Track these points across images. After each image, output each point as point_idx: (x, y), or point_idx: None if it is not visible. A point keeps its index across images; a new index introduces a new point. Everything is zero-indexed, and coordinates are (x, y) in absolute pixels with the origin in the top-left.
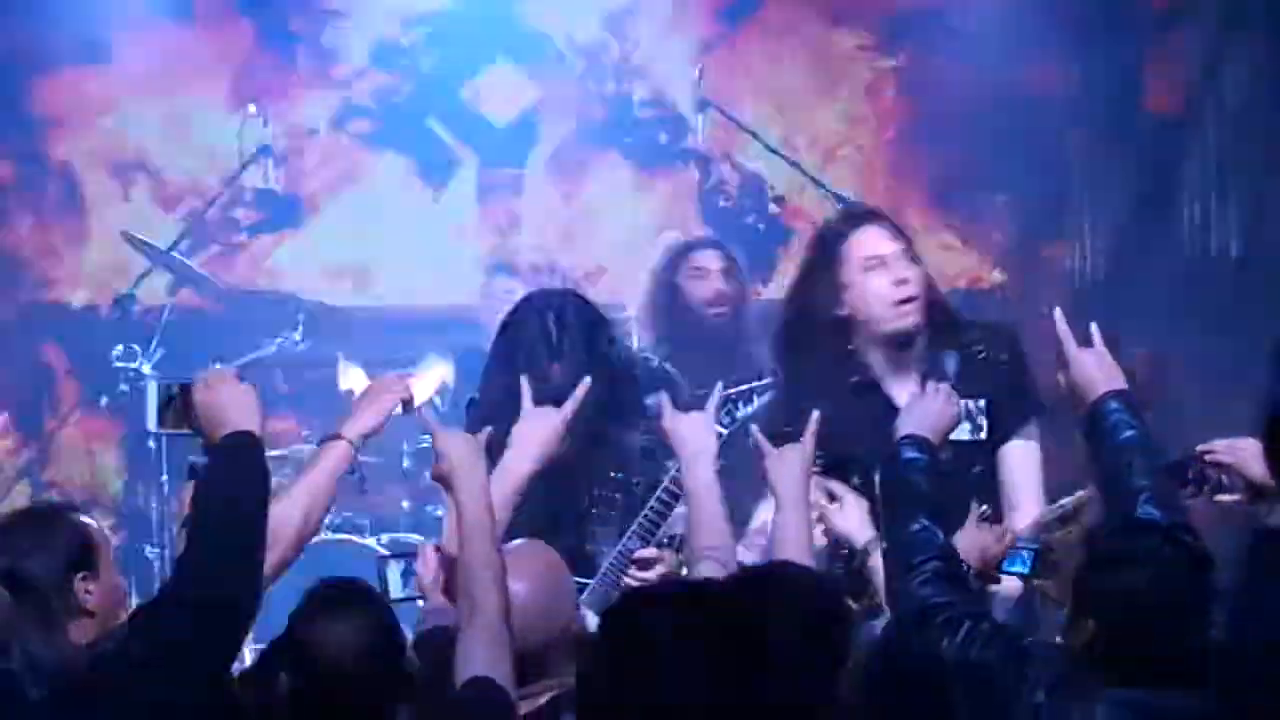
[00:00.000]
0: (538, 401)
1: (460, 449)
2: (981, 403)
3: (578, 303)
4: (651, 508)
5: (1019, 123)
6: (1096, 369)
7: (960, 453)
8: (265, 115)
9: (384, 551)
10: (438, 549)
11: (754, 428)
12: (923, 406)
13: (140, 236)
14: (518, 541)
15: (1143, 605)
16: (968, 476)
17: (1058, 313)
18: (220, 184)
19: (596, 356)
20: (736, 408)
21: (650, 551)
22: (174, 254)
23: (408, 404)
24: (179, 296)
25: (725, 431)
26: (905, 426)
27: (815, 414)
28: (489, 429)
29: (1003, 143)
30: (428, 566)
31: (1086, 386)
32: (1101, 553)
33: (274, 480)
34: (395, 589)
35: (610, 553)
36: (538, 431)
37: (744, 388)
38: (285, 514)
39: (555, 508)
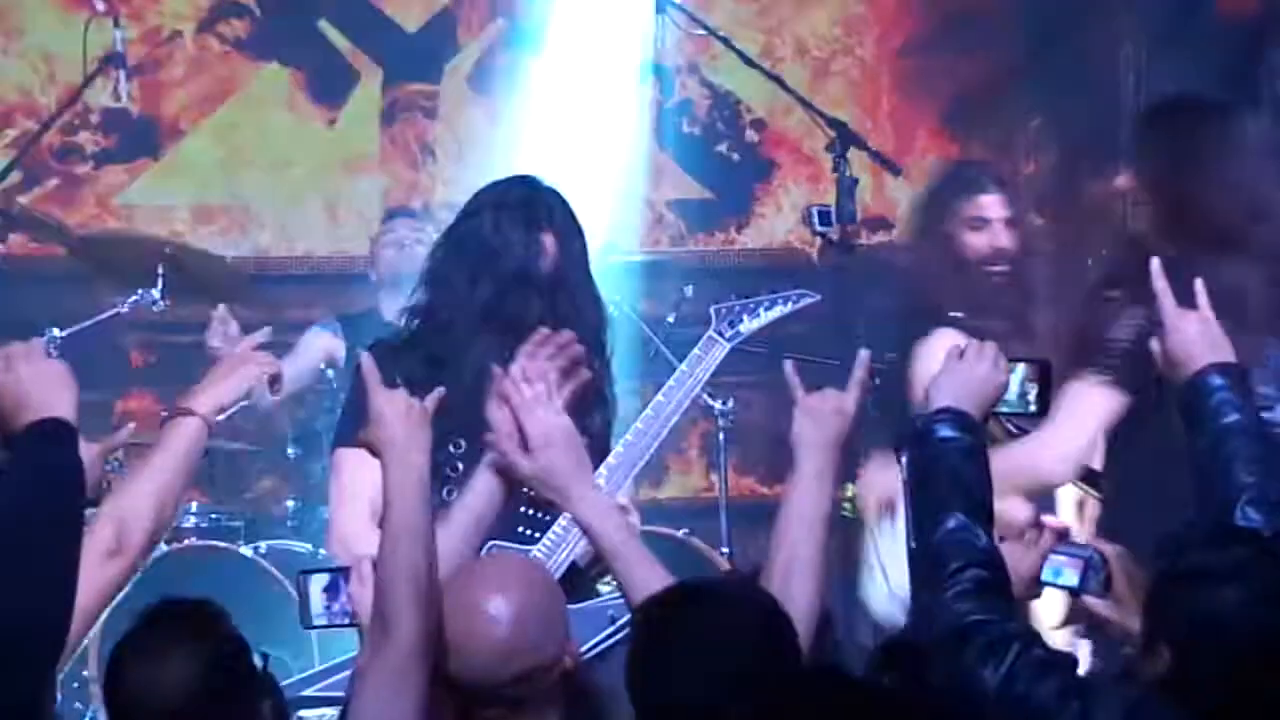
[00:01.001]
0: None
1: (402, 415)
2: (1030, 367)
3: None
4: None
5: (1058, 27)
6: (1199, 336)
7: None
8: (116, 14)
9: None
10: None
11: (788, 365)
12: (963, 372)
13: None
14: (494, 555)
15: (1231, 631)
16: None
17: (1155, 264)
18: (59, 101)
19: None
20: (739, 319)
21: (623, 499)
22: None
23: (275, 380)
24: (8, 244)
25: (729, 345)
26: (941, 397)
27: (863, 354)
28: (441, 391)
29: (1038, 53)
30: (364, 585)
31: (1185, 358)
32: (1183, 565)
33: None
34: (318, 612)
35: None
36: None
37: (748, 299)
38: (132, 509)
39: None
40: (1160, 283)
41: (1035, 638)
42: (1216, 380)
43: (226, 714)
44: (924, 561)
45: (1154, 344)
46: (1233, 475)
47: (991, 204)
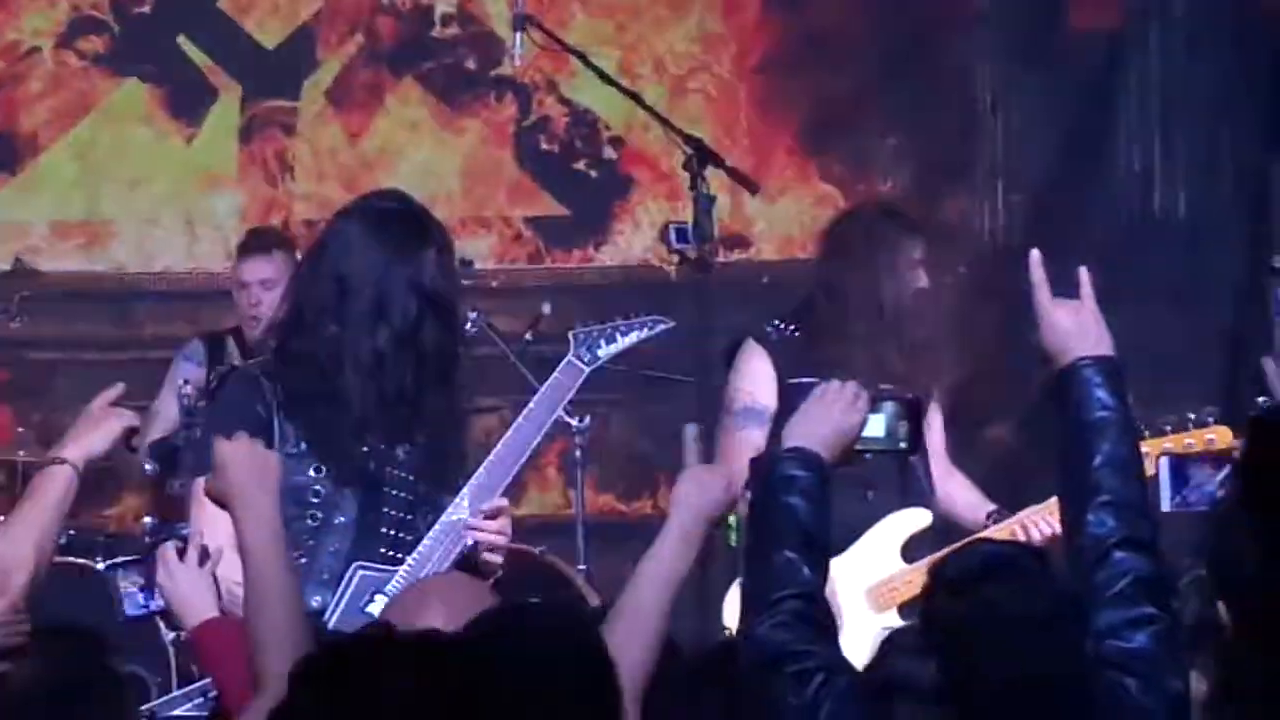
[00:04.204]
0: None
1: (245, 462)
2: (899, 405)
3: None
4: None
5: (914, 45)
6: (1073, 328)
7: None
8: None
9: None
10: (182, 548)
11: (689, 428)
12: (818, 413)
13: None
14: (437, 576)
15: (976, 633)
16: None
17: (1034, 255)
18: None
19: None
20: (598, 345)
21: (501, 501)
22: None
23: (132, 433)
24: None
25: (587, 369)
26: (792, 436)
27: (745, 406)
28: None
29: (894, 71)
30: (170, 572)
31: (1058, 350)
32: (937, 579)
33: None
34: (132, 607)
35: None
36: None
37: (605, 325)
38: (13, 555)
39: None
40: (1038, 274)
41: (845, 668)
42: (1087, 372)
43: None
44: (749, 592)
45: (1030, 336)
46: (1089, 474)
47: (921, 244)
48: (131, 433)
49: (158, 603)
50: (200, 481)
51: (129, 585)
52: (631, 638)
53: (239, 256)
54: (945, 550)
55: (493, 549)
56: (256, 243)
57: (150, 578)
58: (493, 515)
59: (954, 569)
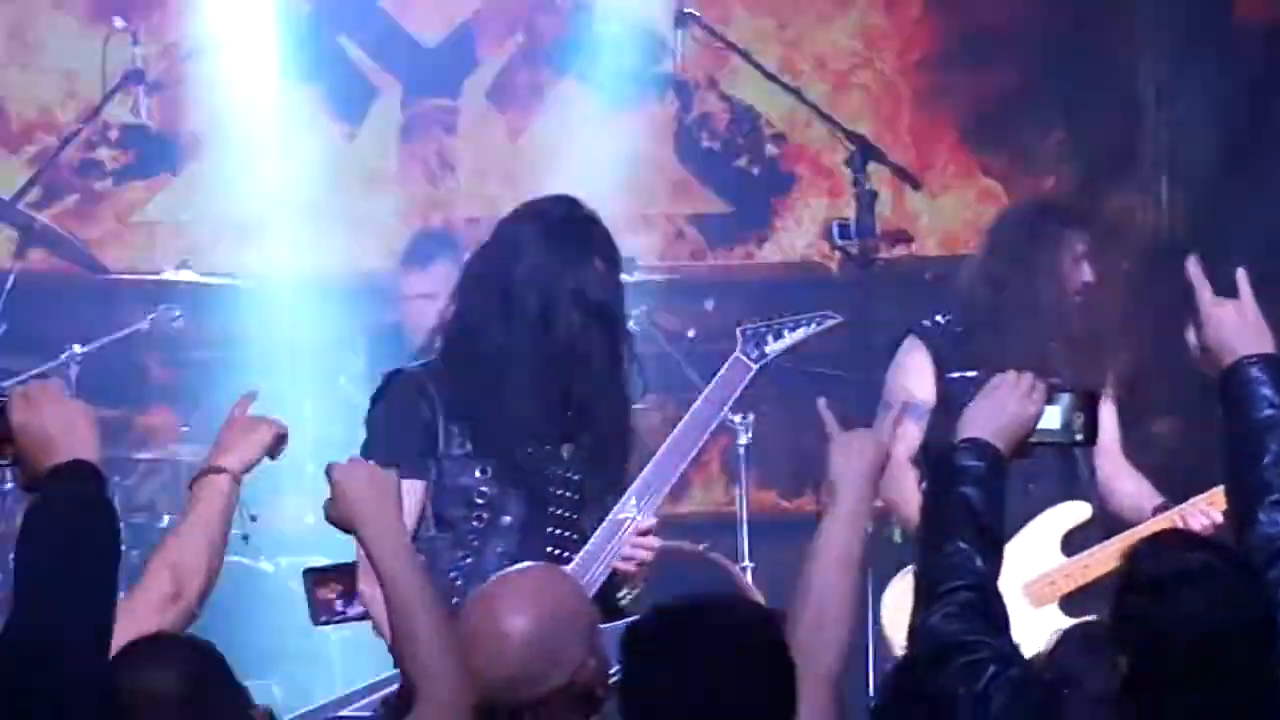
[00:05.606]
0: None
1: (363, 485)
2: (1076, 397)
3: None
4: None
5: (1077, 40)
6: (1237, 327)
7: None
8: (135, 31)
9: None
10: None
11: (821, 402)
12: (993, 403)
13: None
14: (521, 567)
15: (1179, 637)
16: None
17: (1191, 260)
18: (79, 118)
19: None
20: (765, 341)
21: (652, 520)
22: (19, 206)
23: (281, 440)
24: (28, 258)
25: (755, 366)
26: (968, 427)
27: (903, 401)
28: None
29: (1057, 65)
30: (372, 582)
31: (1222, 348)
32: (1137, 575)
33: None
34: (326, 610)
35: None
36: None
37: (773, 320)
38: (188, 559)
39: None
40: (1197, 275)
41: (1016, 659)
42: (1254, 372)
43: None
44: (922, 583)
45: (1190, 335)
46: (1258, 473)
47: (1087, 239)
48: (281, 440)
49: (355, 609)
50: None
51: (328, 593)
52: (821, 626)
53: (401, 268)
54: (1118, 539)
55: (632, 561)
56: (414, 255)
57: (345, 587)
58: (644, 533)
59: (1152, 566)
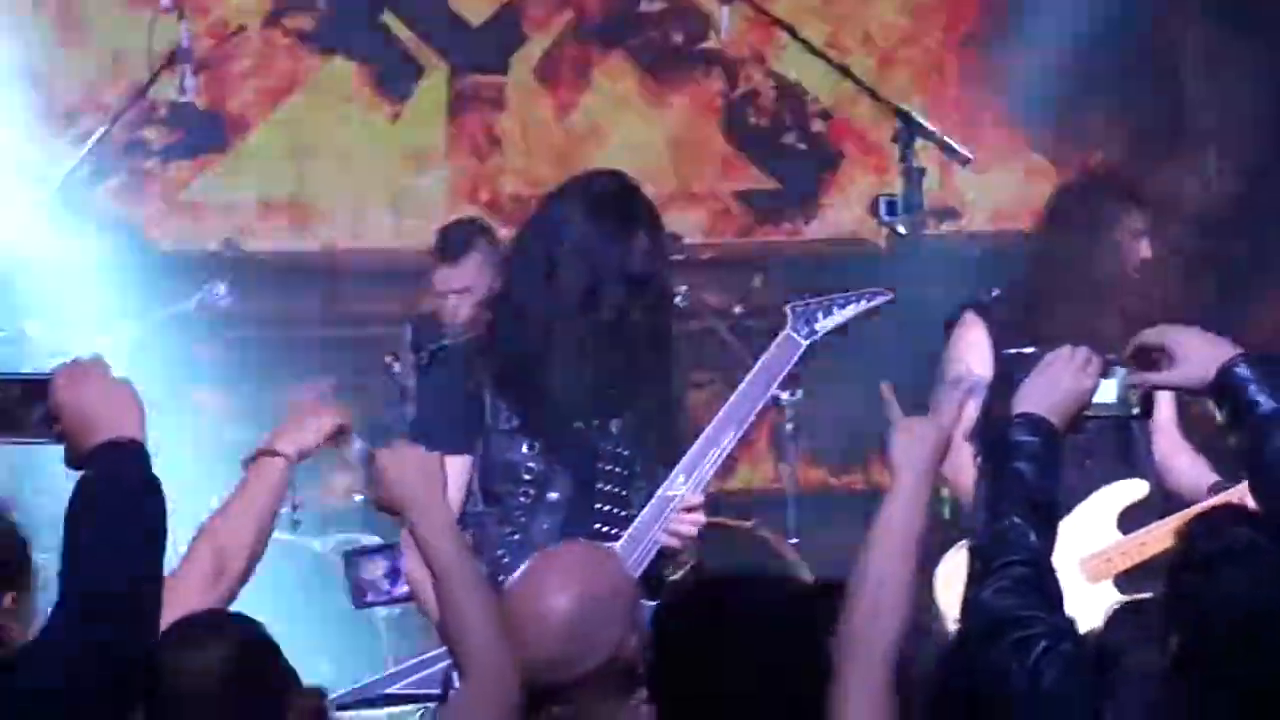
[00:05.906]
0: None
1: (410, 469)
2: (1129, 370)
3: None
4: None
5: (1126, 12)
6: (1206, 340)
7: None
8: (181, 9)
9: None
10: None
11: (885, 386)
12: (1048, 377)
13: None
14: (562, 545)
15: (1229, 614)
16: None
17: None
18: (125, 97)
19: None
20: (815, 318)
21: (699, 497)
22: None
23: (343, 431)
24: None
25: (805, 343)
26: (1023, 402)
27: (970, 381)
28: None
29: (1105, 41)
30: (419, 562)
31: (1208, 359)
32: (1187, 553)
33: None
34: (372, 591)
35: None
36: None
37: (823, 297)
38: (233, 539)
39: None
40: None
41: (1070, 636)
42: (1243, 371)
43: (255, 704)
44: (976, 558)
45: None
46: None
47: (1146, 216)
48: (341, 430)
49: (401, 589)
50: None
51: (374, 572)
52: (878, 615)
53: (434, 262)
54: (1175, 517)
55: (679, 538)
56: (445, 250)
57: (389, 567)
58: (692, 509)
59: (1204, 544)
